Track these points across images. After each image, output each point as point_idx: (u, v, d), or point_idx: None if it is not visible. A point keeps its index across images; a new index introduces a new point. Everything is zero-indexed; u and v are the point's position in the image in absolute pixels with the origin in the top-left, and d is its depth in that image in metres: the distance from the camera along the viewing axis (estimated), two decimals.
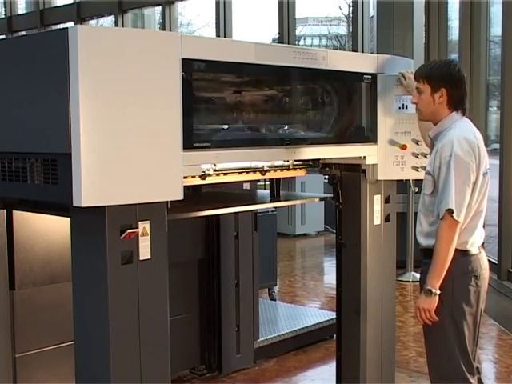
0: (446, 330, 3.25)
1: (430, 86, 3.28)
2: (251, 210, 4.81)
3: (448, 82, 3.26)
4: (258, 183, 4.90)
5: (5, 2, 19.24)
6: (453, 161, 3.12)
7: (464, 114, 3.33)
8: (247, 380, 4.91)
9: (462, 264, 3.22)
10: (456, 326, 3.24)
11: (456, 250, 3.17)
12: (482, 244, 3.36)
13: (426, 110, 3.33)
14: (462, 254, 3.22)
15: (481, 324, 3.39)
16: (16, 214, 3.45)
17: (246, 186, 4.79)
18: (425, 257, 3.31)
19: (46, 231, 3.63)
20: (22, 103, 2.82)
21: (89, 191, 2.54)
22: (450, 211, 3.08)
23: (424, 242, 3.32)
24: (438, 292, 3.15)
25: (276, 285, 7.16)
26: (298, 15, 13.41)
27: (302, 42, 30.42)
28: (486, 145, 3.36)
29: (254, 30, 34.26)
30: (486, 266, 3.32)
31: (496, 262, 7.87)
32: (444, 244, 3.12)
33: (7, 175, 2.94)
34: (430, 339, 3.35)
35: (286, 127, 3.49)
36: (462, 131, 3.21)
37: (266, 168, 3.58)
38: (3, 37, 17.76)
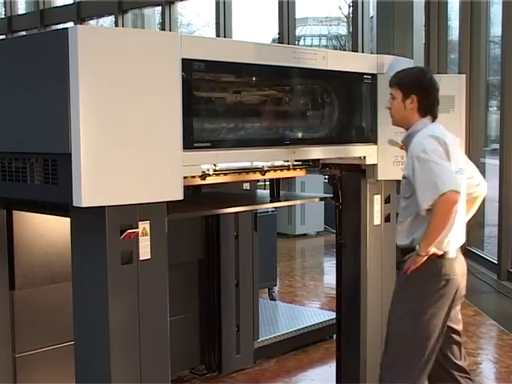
0: (405, 325, 3.29)
1: (401, 92, 3.36)
2: (251, 210, 4.81)
3: (418, 89, 3.33)
4: (258, 183, 4.90)
5: (5, 2, 19.25)
6: (423, 155, 3.16)
7: (434, 120, 3.38)
8: (247, 380, 4.90)
9: (435, 266, 3.26)
10: (415, 323, 3.26)
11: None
12: (463, 247, 3.38)
13: (397, 115, 3.41)
14: (440, 256, 3.25)
15: (447, 326, 3.37)
16: (16, 214, 3.44)
17: (246, 186, 4.79)
18: (403, 256, 3.35)
19: (45, 231, 3.63)
20: (22, 103, 2.82)
21: (89, 191, 2.54)
22: (446, 192, 3.06)
23: (399, 241, 3.39)
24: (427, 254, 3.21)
25: (276, 285, 7.16)
26: (298, 15, 13.42)
27: (301, 42, 30.39)
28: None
29: (254, 29, 34.27)
30: (459, 271, 3.33)
31: (496, 262, 7.87)
32: (440, 218, 3.12)
33: (7, 175, 2.94)
34: (389, 330, 3.39)
35: (286, 127, 3.49)
36: (429, 132, 3.27)
37: (265, 168, 3.59)
38: (3, 37, 17.76)
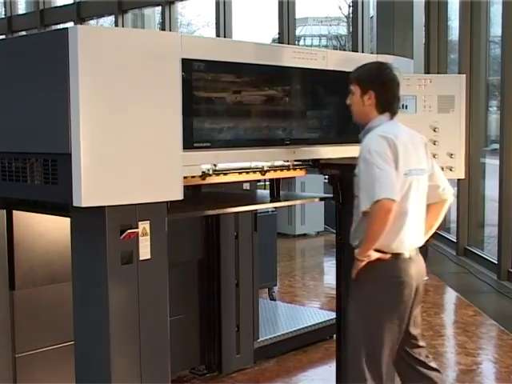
0: (358, 327, 3.29)
1: (359, 88, 3.30)
2: (251, 210, 4.81)
3: (376, 85, 3.27)
4: (258, 183, 4.90)
5: (5, 2, 19.27)
6: (368, 156, 3.11)
7: (393, 117, 3.31)
8: (247, 380, 4.90)
9: (385, 267, 3.22)
10: (368, 326, 3.25)
11: (384, 252, 3.19)
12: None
13: (357, 111, 3.35)
14: (391, 257, 3.22)
15: (406, 330, 3.35)
16: (16, 213, 3.45)
17: (246, 186, 4.79)
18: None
19: (45, 231, 3.63)
20: (22, 103, 2.82)
21: (89, 191, 2.54)
22: (381, 200, 3.02)
23: (351, 241, 3.37)
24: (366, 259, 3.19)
25: (276, 285, 7.15)
26: (298, 15, 13.43)
27: (301, 42, 30.42)
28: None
29: (254, 29, 34.29)
30: (413, 273, 3.27)
31: (496, 262, 7.87)
32: (375, 224, 3.10)
33: (7, 175, 2.94)
34: (347, 331, 3.39)
35: (286, 127, 3.49)
36: (381, 131, 3.20)
37: (265, 168, 3.58)
38: (3, 37, 17.77)
